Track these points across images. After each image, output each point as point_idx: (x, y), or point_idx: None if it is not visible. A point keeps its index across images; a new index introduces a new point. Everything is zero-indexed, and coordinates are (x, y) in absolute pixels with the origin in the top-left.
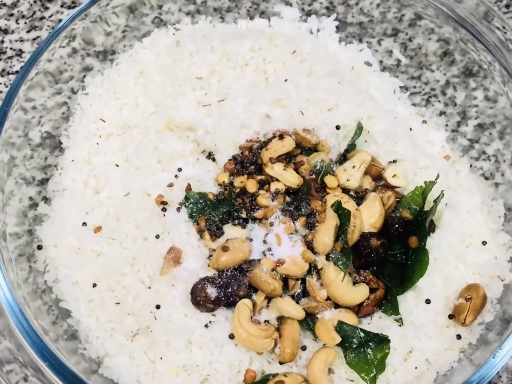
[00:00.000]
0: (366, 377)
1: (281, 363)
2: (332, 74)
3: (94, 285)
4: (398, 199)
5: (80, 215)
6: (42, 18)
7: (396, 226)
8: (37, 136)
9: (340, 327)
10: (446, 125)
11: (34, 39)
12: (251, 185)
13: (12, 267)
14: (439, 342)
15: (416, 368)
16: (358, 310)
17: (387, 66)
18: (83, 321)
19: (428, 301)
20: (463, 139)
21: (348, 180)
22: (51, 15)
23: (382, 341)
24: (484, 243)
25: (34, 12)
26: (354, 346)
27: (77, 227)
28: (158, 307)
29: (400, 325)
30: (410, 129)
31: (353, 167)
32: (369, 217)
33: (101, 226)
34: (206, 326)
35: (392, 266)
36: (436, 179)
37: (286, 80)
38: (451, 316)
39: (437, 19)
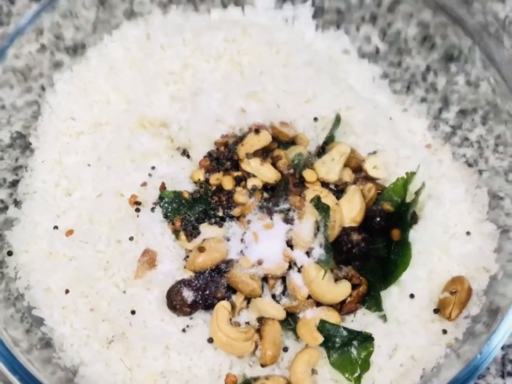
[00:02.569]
0: (350, 377)
1: (262, 365)
2: (309, 64)
3: (67, 291)
4: (379, 191)
5: (51, 218)
6: (8, 13)
7: (378, 219)
8: (7, 136)
9: (323, 326)
10: (428, 112)
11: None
12: (227, 182)
13: None
14: (425, 338)
15: (401, 365)
16: (341, 307)
17: (366, 53)
18: (57, 329)
19: (412, 296)
20: (445, 126)
21: (327, 173)
22: (19, 10)
23: (365, 339)
24: (468, 233)
25: (1, 7)
26: (337, 345)
27: (48, 231)
28: (133, 312)
29: (384, 321)
30: (390, 118)
31: (332, 159)
32: (349, 211)
33: (73, 229)
34: (183, 330)
35: (374, 261)
36: (417, 170)
37: (261, 73)
38: (436, 311)
39: (416, 4)
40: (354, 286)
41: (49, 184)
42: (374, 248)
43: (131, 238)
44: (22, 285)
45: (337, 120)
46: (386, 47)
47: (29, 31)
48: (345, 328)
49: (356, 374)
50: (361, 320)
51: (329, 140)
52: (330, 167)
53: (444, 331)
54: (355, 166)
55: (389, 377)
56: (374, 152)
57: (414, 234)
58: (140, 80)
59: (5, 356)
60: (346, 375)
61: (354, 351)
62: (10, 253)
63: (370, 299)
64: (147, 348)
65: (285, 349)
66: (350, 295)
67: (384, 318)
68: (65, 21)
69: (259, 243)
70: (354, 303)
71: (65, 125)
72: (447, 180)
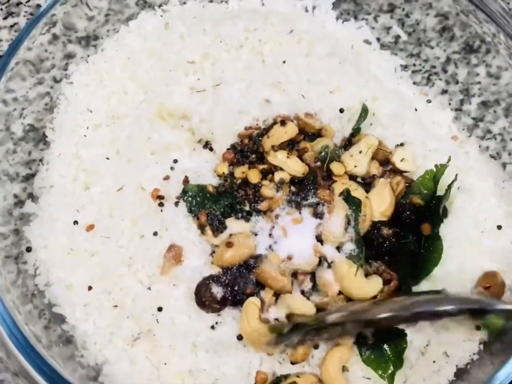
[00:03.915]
0: (383, 375)
1: (292, 363)
2: (332, 54)
3: (90, 288)
4: (407, 184)
5: (70, 213)
6: (19, 3)
7: (408, 213)
8: (20, 129)
9: None
10: (449, 104)
11: (11, 26)
12: (254, 176)
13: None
14: (457, 334)
15: (434, 362)
16: None
17: (384, 43)
18: (79, 327)
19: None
20: (467, 118)
21: (355, 166)
22: (28, 0)
23: (398, 336)
24: (499, 227)
25: None
26: (369, 342)
27: (68, 226)
28: (160, 309)
29: None
30: (416, 109)
31: (360, 152)
32: (379, 205)
33: (93, 224)
34: (212, 327)
35: (405, 256)
36: (447, 162)
37: (284, 62)
38: None
39: None
40: (385, 282)
41: (66, 178)
42: (404, 243)
43: (155, 233)
44: (42, 281)
45: (364, 111)
46: (406, 37)
47: (41, 23)
48: None
49: (390, 371)
50: None
51: (356, 132)
52: (358, 160)
53: (478, 327)
54: (382, 158)
55: (422, 374)
56: (402, 144)
57: (444, 228)
58: (159, 70)
59: (28, 352)
60: (380, 373)
61: (386, 347)
62: (29, 249)
63: (402, 294)
64: (175, 345)
65: (316, 347)
66: (381, 291)
67: None
68: (77, 11)
69: (288, 238)
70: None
71: (82, 117)
72: (476, 173)
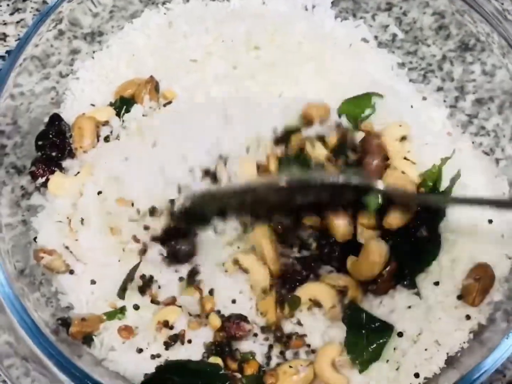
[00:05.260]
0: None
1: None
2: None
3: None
4: None
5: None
6: None
7: None
8: (26, 123)
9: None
10: (444, 101)
11: (18, 22)
12: None
13: (9, 259)
14: (449, 323)
15: (426, 350)
16: (376, 289)
17: (382, 41)
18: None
19: (436, 283)
20: (462, 115)
21: None
22: None
23: (384, 329)
24: (490, 221)
25: None
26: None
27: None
28: None
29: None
30: (412, 106)
31: None
32: None
33: None
34: None
35: (404, 245)
36: (451, 155)
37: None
38: (459, 297)
39: None
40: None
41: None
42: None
43: None
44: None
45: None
46: (403, 36)
47: (49, 19)
48: (367, 314)
49: (363, 359)
50: (389, 304)
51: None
52: None
53: (468, 317)
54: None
55: (414, 362)
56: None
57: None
58: (162, 68)
59: (38, 337)
60: (350, 353)
61: (367, 336)
62: (36, 239)
63: (404, 278)
64: None
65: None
66: (382, 275)
67: (418, 295)
68: (82, 8)
69: None
70: (387, 283)
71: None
72: (469, 168)
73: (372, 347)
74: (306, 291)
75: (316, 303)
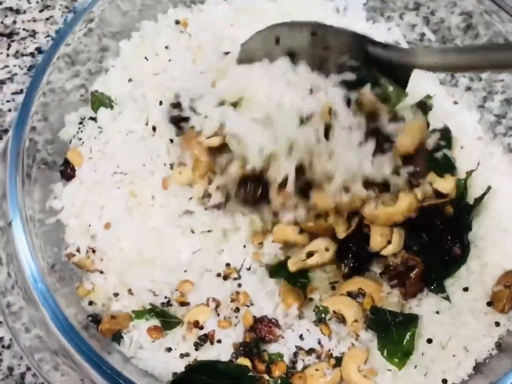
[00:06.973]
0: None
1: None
2: None
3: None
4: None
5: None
6: None
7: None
8: (57, 120)
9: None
10: (474, 102)
11: (47, 19)
12: None
13: (42, 254)
14: (477, 330)
15: (454, 356)
16: (405, 292)
17: (410, 41)
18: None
19: (466, 289)
20: (490, 115)
21: None
22: None
23: (410, 320)
24: None
25: None
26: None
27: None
28: None
29: (449, 301)
30: (443, 109)
31: None
32: None
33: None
34: None
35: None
36: (477, 167)
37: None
38: (489, 303)
39: None
40: (409, 268)
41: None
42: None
43: None
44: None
45: None
46: (431, 35)
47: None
48: (389, 311)
49: (399, 356)
50: (417, 310)
51: None
52: None
53: (497, 324)
54: None
55: (442, 367)
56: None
57: None
58: (190, 72)
59: (69, 332)
60: (386, 354)
61: (396, 330)
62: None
63: (432, 282)
64: None
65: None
66: (409, 278)
67: (447, 299)
68: (112, 7)
69: None
70: (415, 286)
71: None
72: (500, 173)
73: (404, 340)
74: (332, 303)
75: (339, 316)
